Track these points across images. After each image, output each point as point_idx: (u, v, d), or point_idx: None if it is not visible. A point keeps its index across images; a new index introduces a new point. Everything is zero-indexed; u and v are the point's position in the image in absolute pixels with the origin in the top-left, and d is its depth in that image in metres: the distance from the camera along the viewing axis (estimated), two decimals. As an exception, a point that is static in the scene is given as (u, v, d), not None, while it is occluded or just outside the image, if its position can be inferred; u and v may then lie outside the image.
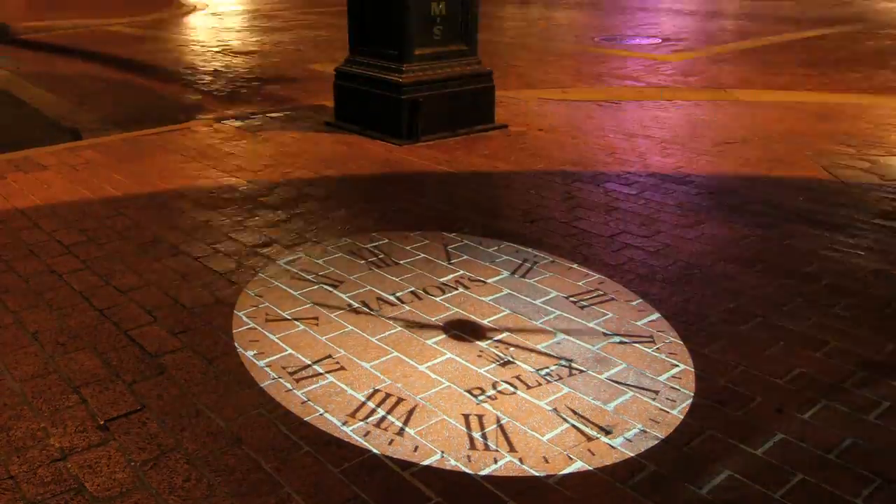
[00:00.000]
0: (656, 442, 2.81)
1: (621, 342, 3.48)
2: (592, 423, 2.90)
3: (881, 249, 4.45)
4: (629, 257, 4.36)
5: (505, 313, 3.74)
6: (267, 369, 3.26)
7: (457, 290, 3.99)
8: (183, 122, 7.70)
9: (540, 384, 3.15)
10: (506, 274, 4.16)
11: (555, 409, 2.98)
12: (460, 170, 6.01)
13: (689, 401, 3.05)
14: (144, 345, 3.46)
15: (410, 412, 2.97)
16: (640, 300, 3.88)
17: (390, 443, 2.80)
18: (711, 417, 2.95)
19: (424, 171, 6.01)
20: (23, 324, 3.65)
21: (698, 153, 6.41)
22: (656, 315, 3.73)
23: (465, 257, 4.37)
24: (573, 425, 2.90)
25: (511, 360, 3.33)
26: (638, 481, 2.62)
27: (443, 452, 2.74)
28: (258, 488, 2.59)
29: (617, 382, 3.17)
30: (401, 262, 4.31)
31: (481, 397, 3.06)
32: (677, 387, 3.13)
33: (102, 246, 4.53)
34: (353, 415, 2.95)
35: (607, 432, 2.86)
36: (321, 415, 2.95)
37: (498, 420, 2.92)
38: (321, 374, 3.23)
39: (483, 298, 3.89)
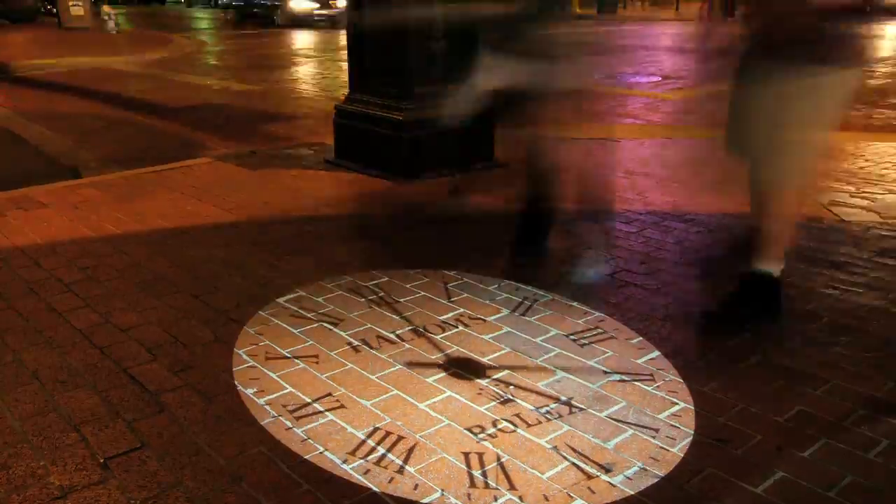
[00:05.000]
0: (656, 480, 2.80)
1: (621, 380, 3.48)
2: (592, 462, 2.90)
3: (881, 287, 4.45)
4: (629, 295, 4.37)
5: (505, 351, 3.74)
6: (267, 407, 3.26)
7: (457, 328, 3.99)
8: (183, 160, 7.72)
9: (540, 422, 3.15)
10: (506, 312, 4.17)
11: (555, 447, 2.98)
12: (460, 208, 6.02)
13: (689, 439, 3.04)
14: (144, 383, 3.46)
15: (410, 450, 2.97)
16: (640, 338, 3.88)
17: (390, 481, 2.79)
18: (711, 455, 2.94)
19: (424, 209, 6.02)
20: (23, 362, 3.65)
21: (698, 191, 6.43)
22: (656, 353, 3.73)
23: (466, 295, 4.37)
24: (573, 463, 2.89)
25: (511, 398, 3.33)
26: (638, 520, 2.62)
27: (443, 490, 2.74)
28: (258, 527, 2.59)
29: (617, 420, 3.16)
30: (401, 300, 4.32)
31: (481, 435, 3.06)
32: (677, 425, 3.13)
33: (102, 284, 4.54)
34: (353, 453, 2.95)
35: (607, 470, 2.85)
36: (321, 453, 2.95)
37: (498, 458, 2.92)
38: (321, 412, 3.22)
39: (483, 336, 3.89)
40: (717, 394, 3.36)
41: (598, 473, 2.84)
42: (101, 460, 2.91)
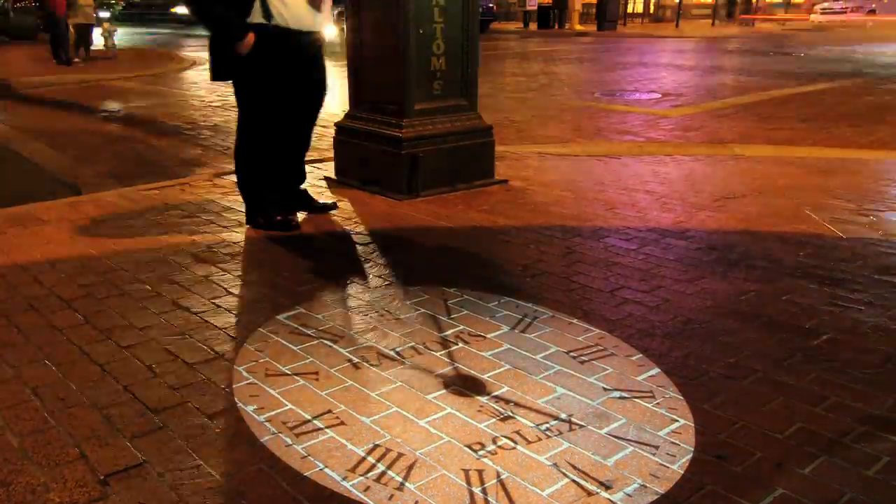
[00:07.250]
0: (656, 497, 2.80)
1: (621, 397, 3.48)
2: (592, 478, 2.90)
3: (881, 304, 4.45)
4: (629, 312, 4.37)
5: (505, 368, 3.74)
6: (267, 424, 3.25)
7: (457, 344, 3.99)
8: (182, 177, 7.74)
9: (540, 439, 3.14)
10: (506, 329, 4.17)
11: (555, 464, 2.98)
12: (460, 225, 6.03)
13: (689, 456, 3.04)
14: (144, 400, 3.46)
15: (410, 467, 2.96)
16: (640, 355, 3.88)
17: (390, 498, 2.79)
18: (711, 472, 2.94)
19: (424, 226, 6.03)
20: (23, 379, 3.65)
21: (698, 208, 6.43)
22: (656, 370, 3.73)
23: (465, 312, 4.37)
24: (573, 480, 2.89)
25: (511, 415, 3.32)
26: (639, 537, 2.62)
27: (443, 508, 2.74)
28: (257, 544, 2.58)
29: (617, 437, 3.16)
30: (401, 316, 4.32)
31: (481, 452, 3.05)
32: (677, 442, 3.13)
33: (102, 301, 4.54)
34: (353, 470, 2.95)
35: (607, 487, 2.85)
36: (321, 470, 2.95)
37: (498, 475, 2.91)
38: (321, 428, 3.22)
39: (483, 353, 3.89)
40: (718, 410, 3.36)
41: (598, 490, 2.83)
42: (101, 477, 2.91)
